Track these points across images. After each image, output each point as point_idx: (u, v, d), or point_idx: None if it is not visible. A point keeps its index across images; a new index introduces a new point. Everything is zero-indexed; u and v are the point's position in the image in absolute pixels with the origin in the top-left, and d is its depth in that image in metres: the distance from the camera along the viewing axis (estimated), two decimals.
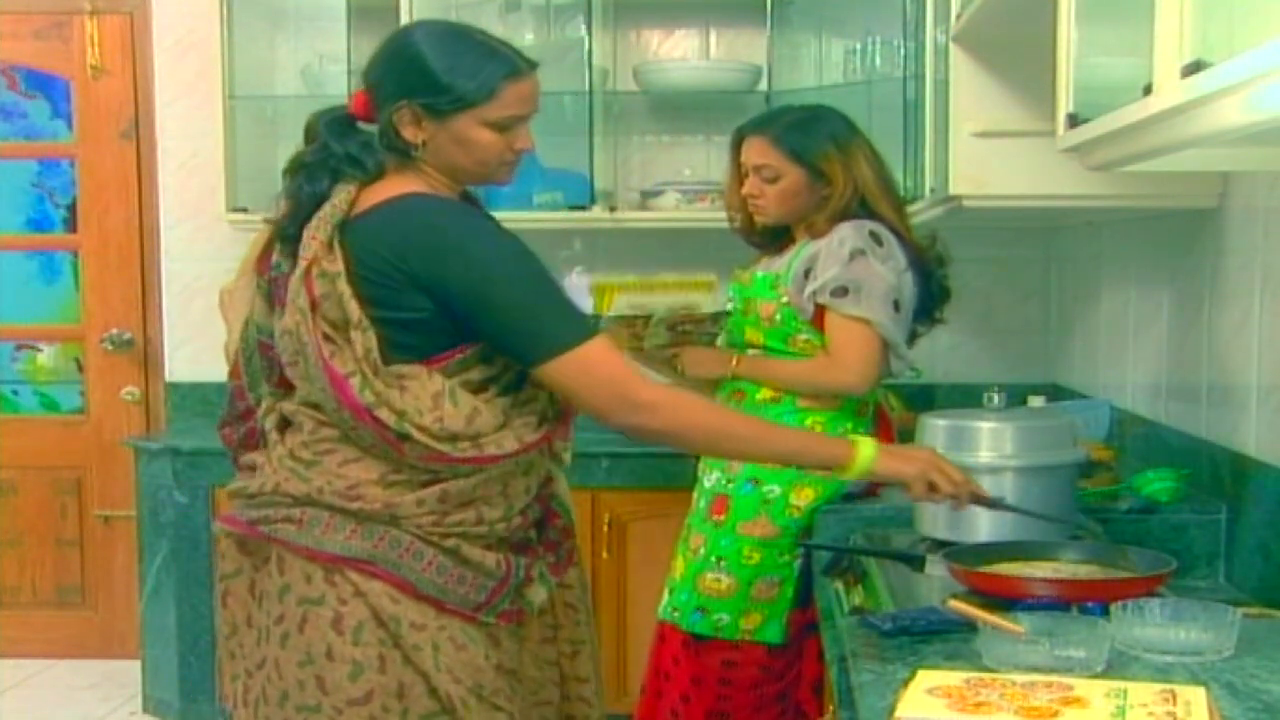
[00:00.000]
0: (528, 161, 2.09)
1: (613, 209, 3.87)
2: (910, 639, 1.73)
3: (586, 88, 3.78)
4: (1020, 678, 1.52)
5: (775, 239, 2.77)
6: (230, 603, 2.01)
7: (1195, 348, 2.54)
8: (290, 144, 2.04)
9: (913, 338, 2.73)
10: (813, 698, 2.67)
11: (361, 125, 1.96)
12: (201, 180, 4.09)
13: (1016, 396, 2.62)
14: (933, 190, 2.89)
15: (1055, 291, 3.90)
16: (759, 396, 2.67)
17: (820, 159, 2.63)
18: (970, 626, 1.70)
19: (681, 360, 2.73)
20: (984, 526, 2.14)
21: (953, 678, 1.53)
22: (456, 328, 1.87)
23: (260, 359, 1.99)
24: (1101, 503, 2.42)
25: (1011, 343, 4.00)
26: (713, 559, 2.66)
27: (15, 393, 4.54)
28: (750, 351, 2.72)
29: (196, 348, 4.18)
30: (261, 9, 4.07)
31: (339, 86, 3.64)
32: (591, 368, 1.87)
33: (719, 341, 2.83)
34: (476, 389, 1.89)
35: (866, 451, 2.00)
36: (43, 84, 4.42)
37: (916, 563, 2.12)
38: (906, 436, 2.53)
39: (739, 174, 2.74)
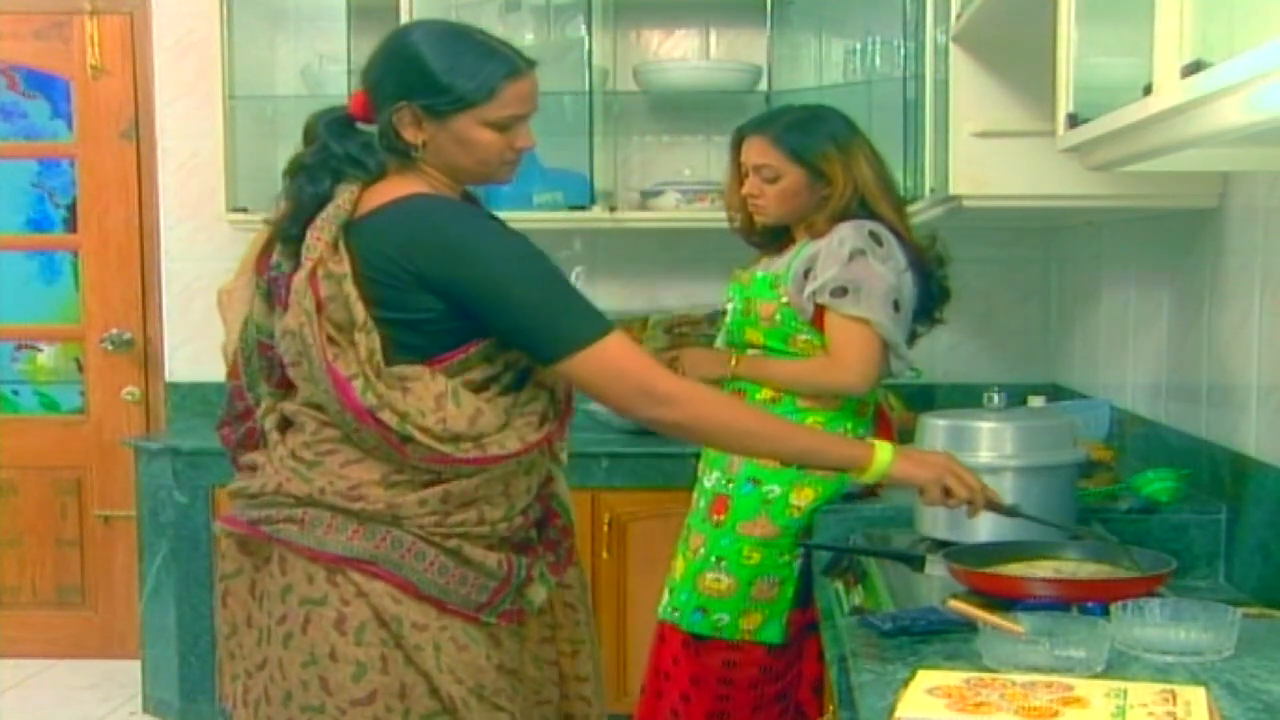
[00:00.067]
0: (528, 161, 2.09)
1: (613, 209, 3.87)
2: (910, 639, 1.73)
3: (586, 88, 3.78)
4: (1020, 678, 1.52)
5: (775, 239, 2.77)
6: (230, 603, 2.01)
7: (1195, 348, 2.54)
8: (290, 144, 2.03)
9: (913, 338, 2.73)
10: (813, 698, 2.67)
11: (361, 126, 1.96)
12: (201, 180, 4.09)
13: (1016, 396, 2.62)
14: (933, 190, 2.89)
15: (1055, 291, 3.90)
16: (759, 397, 2.67)
17: (820, 159, 2.63)
18: (970, 626, 1.70)
19: (681, 362, 2.73)
20: (984, 527, 2.13)
21: (953, 678, 1.53)
22: (464, 327, 1.87)
23: (260, 359, 1.99)
24: (1101, 503, 2.42)
25: (1011, 343, 4.00)
26: (713, 559, 2.66)
27: (15, 393, 4.54)
28: (750, 352, 2.72)
29: (196, 348, 4.18)
30: (261, 9, 4.07)
31: (339, 86, 3.64)
32: (611, 362, 1.87)
33: (717, 342, 2.83)
34: (478, 388, 1.89)
35: (884, 455, 2.00)
36: (43, 84, 4.42)
37: (916, 563, 2.12)
38: (906, 436, 2.52)
39: (739, 174, 2.74)
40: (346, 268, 1.84)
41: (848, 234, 2.59)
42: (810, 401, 2.65)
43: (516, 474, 1.95)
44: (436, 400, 1.84)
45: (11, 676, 4.28)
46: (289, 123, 3.62)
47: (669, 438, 2.13)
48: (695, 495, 2.77)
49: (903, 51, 3.43)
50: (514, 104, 1.92)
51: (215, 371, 2.17)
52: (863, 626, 1.81)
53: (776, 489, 2.61)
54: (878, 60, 3.68)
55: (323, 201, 1.89)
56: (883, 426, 2.76)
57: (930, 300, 2.71)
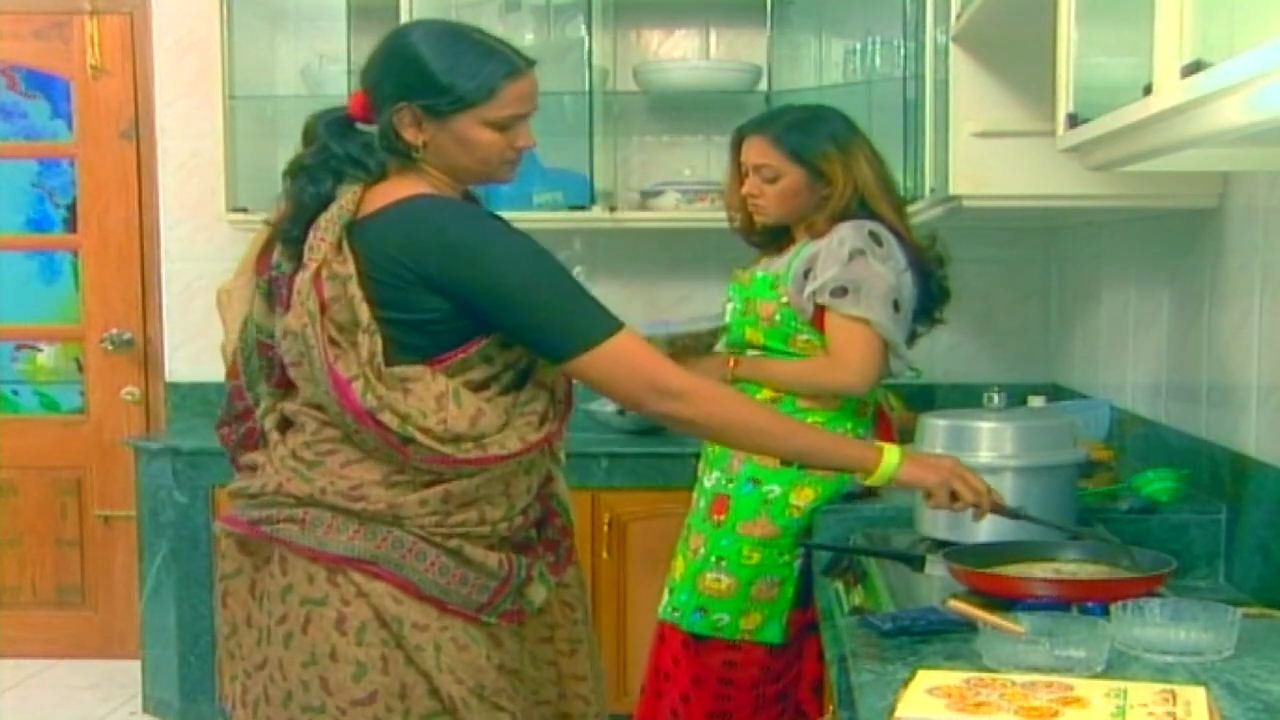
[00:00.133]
0: (528, 161, 2.09)
1: (613, 209, 3.86)
2: (910, 639, 1.73)
3: (586, 88, 3.78)
4: (1020, 678, 1.52)
5: (775, 239, 2.77)
6: (230, 603, 2.01)
7: (1195, 348, 2.54)
8: (290, 144, 2.03)
9: (913, 338, 2.73)
10: (813, 698, 2.67)
11: (361, 126, 1.96)
12: (201, 180, 4.09)
13: (1016, 396, 2.62)
14: (933, 190, 2.89)
15: (1055, 291, 3.90)
16: (759, 397, 2.67)
17: (820, 159, 2.63)
18: (970, 626, 1.70)
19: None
20: (984, 527, 2.13)
21: (953, 678, 1.53)
22: (467, 327, 1.87)
23: (259, 359, 1.99)
24: (1101, 503, 2.42)
25: (1011, 343, 4.00)
26: (713, 559, 2.65)
27: (15, 393, 4.54)
28: (750, 352, 2.72)
29: (196, 348, 4.18)
30: (261, 9, 4.07)
31: (339, 86, 3.64)
32: (623, 359, 1.88)
33: (718, 348, 2.83)
34: (478, 388, 1.89)
35: (891, 458, 2.00)
36: (43, 84, 4.42)
37: (916, 563, 2.12)
38: (906, 436, 2.52)
39: (739, 174, 2.74)
40: (351, 269, 1.84)
41: (848, 234, 2.59)
42: (810, 401, 2.65)
43: (517, 474, 1.95)
44: (437, 401, 1.84)
45: (11, 676, 4.28)
46: (289, 123, 3.62)
47: (669, 437, 2.14)
48: (695, 495, 2.77)
49: (903, 51, 3.43)
50: (514, 104, 1.92)
51: (215, 371, 2.17)
52: (863, 626, 1.81)
53: (776, 489, 2.61)
54: (878, 60, 3.68)
55: (324, 202, 1.89)
56: (883, 426, 2.76)
57: (930, 300, 2.71)
